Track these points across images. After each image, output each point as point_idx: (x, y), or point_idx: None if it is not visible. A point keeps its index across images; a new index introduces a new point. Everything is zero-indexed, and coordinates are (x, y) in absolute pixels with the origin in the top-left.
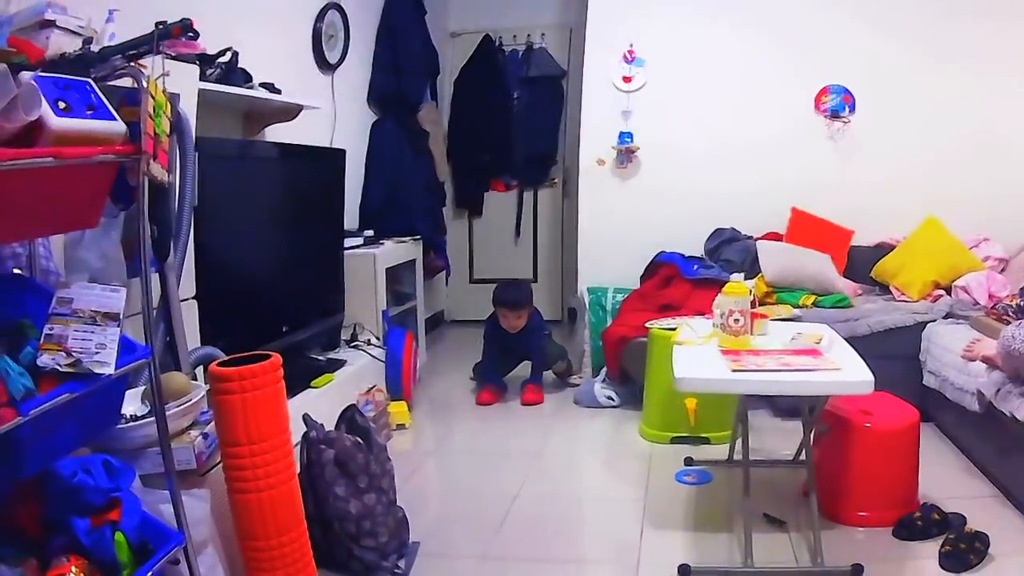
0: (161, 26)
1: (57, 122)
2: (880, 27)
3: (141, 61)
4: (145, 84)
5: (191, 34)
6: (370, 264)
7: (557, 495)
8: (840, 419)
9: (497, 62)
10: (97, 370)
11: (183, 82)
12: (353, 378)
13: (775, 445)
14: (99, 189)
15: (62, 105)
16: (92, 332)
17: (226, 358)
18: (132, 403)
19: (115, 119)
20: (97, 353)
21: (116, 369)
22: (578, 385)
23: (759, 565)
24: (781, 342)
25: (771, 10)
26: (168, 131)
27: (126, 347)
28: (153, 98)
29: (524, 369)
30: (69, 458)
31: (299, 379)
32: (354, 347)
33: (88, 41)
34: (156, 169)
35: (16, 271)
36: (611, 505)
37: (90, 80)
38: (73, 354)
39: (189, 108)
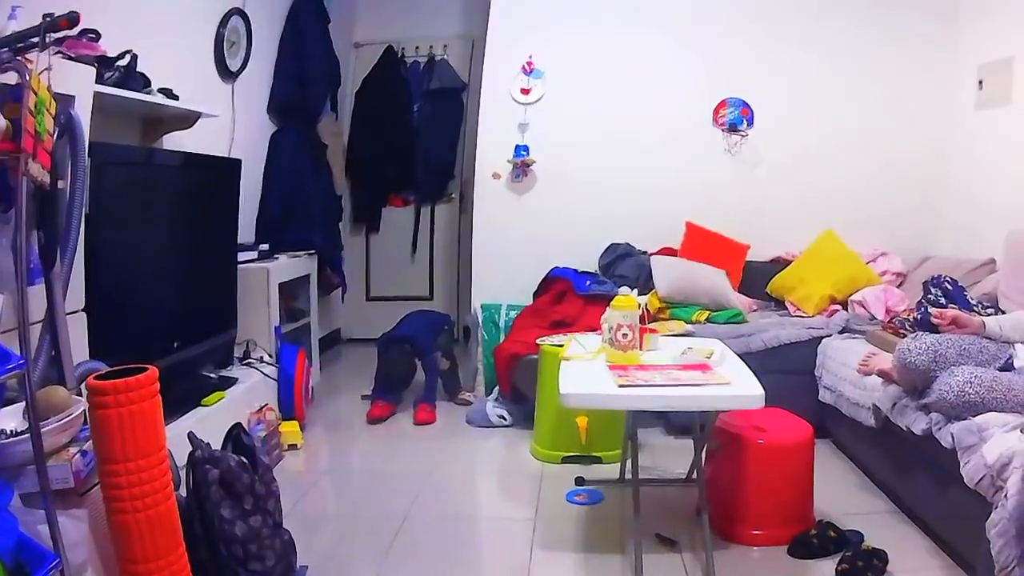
0: (48, 18)
1: None
2: (778, 41)
3: (29, 56)
4: (28, 78)
5: (92, 35)
6: (263, 278)
7: (448, 516)
8: (733, 435)
9: (399, 73)
10: None
11: (80, 84)
12: (244, 396)
13: (668, 463)
14: None
15: None
16: None
17: (105, 371)
18: (13, 418)
19: None
20: None
21: None
22: (470, 404)
23: None
24: (671, 357)
25: (670, 24)
26: (51, 130)
27: (2, 357)
28: (36, 94)
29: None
30: None
31: (190, 397)
32: (247, 364)
33: None
34: (35, 169)
35: None
36: (502, 526)
37: None
38: None
39: (84, 111)
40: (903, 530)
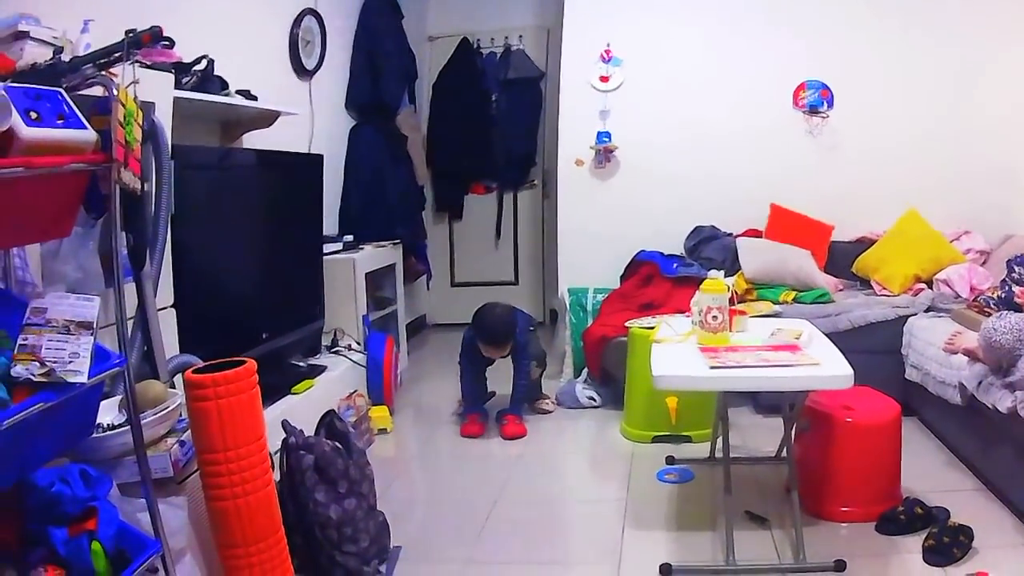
0: (131, 34)
1: (27, 132)
2: (856, 21)
3: (112, 70)
4: (115, 92)
5: (165, 42)
6: (350, 269)
7: (539, 497)
8: (822, 414)
9: (475, 65)
10: (70, 379)
11: (158, 91)
12: (334, 384)
13: (757, 442)
14: (71, 198)
15: (33, 115)
16: (66, 341)
17: (202, 365)
18: (109, 412)
19: (86, 128)
20: (70, 362)
21: (90, 378)
22: (549, 412)
23: (741, 563)
24: (760, 338)
25: (747, 7)
26: (140, 139)
27: (100, 356)
28: (124, 106)
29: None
30: (47, 469)
31: (279, 386)
32: (335, 353)
33: (59, 51)
34: (127, 177)
35: None
36: (593, 506)
37: (61, 90)
38: (47, 364)
39: (164, 116)
40: (989, 507)
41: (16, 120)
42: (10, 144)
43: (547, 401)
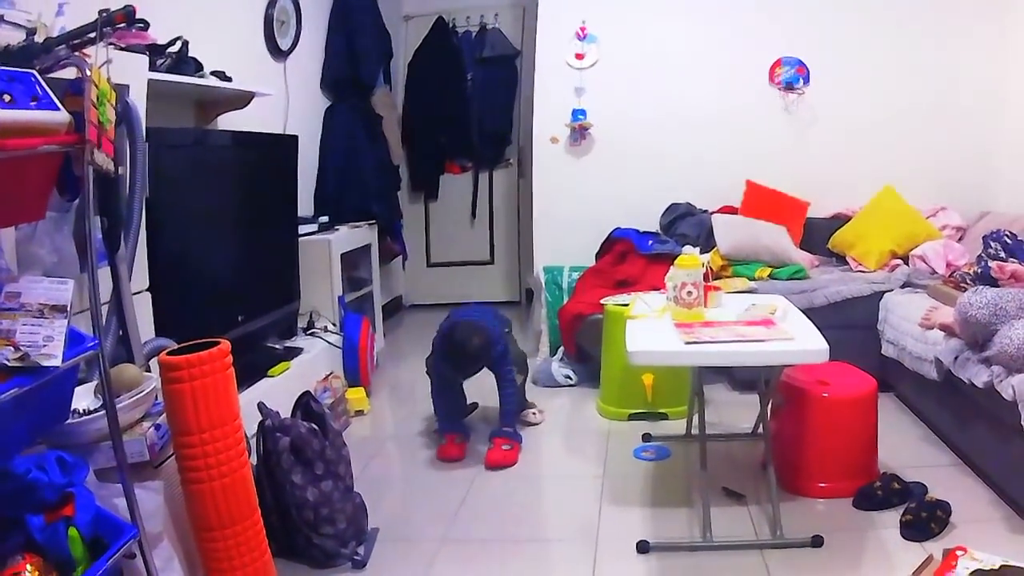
0: (104, 14)
1: (1, 114)
2: None
3: (86, 51)
4: (88, 73)
5: (140, 24)
6: (325, 250)
7: (516, 475)
8: (797, 390)
9: (451, 44)
10: (44, 363)
11: (132, 73)
12: (310, 366)
13: (733, 419)
14: (45, 180)
15: (6, 98)
16: (40, 325)
17: (176, 347)
18: (85, 397)
19: (59, 109)
20: (44, 346)
21: (64, 361)
22: (538, 424)
23: (718, 539)
24: (735, 314)
25: None
26: (113, 120)
27: (75, 339)
28: (97, 87)
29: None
30: (23, 456)
31: (256, 368)
32: (311, 335)
33: (32, 32)
34: (100, 158)
35: None
36: (570, 483)
37: (34, 72)
38: (21, 348)
39: (139, 98)
40: (966, 482)
41: None
42: None
43: (534, 411)
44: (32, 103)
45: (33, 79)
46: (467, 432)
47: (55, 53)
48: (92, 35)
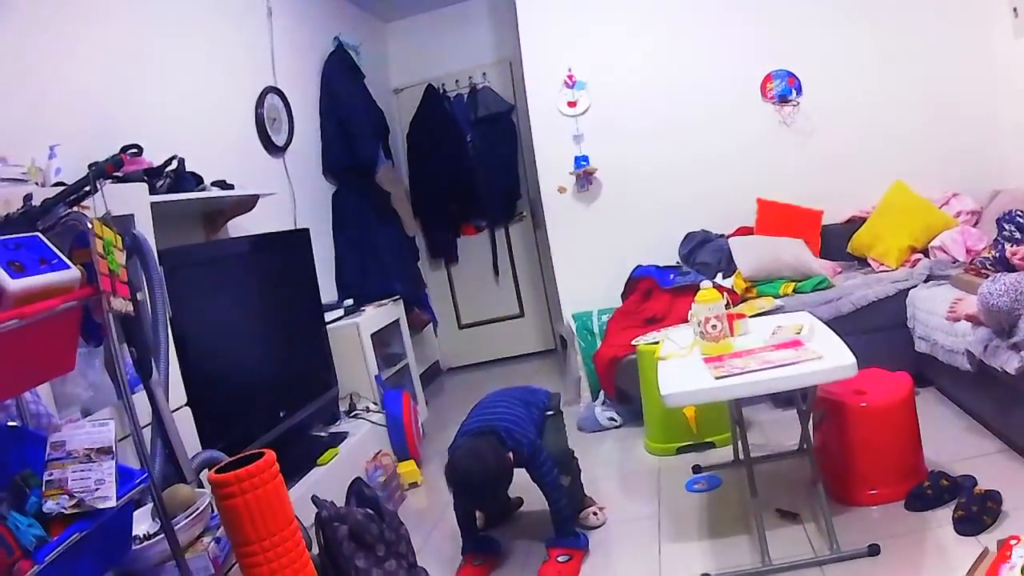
0: (94, 167)
1: (14, 285)
2: (811, 5)
3: (84, 204)
4: (91, 227)
5: (134, 150)
6: (354, 333)
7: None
8: (835, 403)
9: (444, 109)
10: (100, 505)
11: (134, 200)
12: (358, 447)
13: (779, 437)
14: (68, 334)
15: (16, 266)
16: (89, 469)
17: (224, 462)
18: (144, 521)
19: (69, 267)
20: (97, 489)
21: (117, 499)
22: (600, 525)
23: (777, 561)
24: (762, 339)
25: (698, 8)
26: (123, 262)
27: (124, 475)
28: (101, 238)
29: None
30: None
31: (305, 459)
32: (354, 417)
33: (29, 197)
34: (118, 303)
35: (10, 424)
36: (628, 525)
37: (38, 233)
38: (75, 495)
39: (145, 224)
40: (1014, 467)
41: (1, 275)
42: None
43: (595, 511)
44: (42, 266)
45: (39, 241)
46: (493, 549)
47: (55, 213)
48: (87, 188)
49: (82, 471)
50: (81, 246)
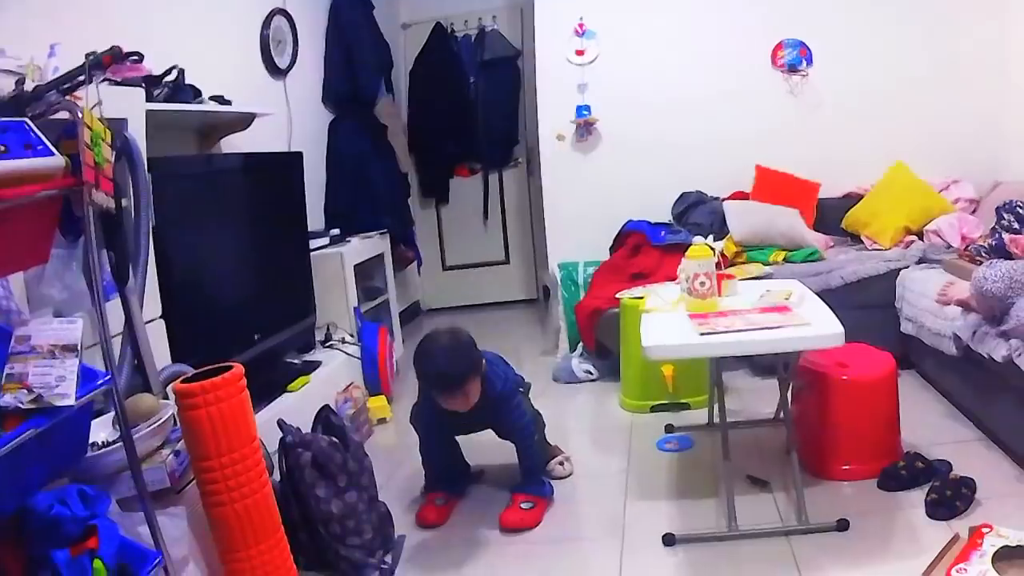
0: (91, 56)
1: None
2: None
3: (77, 94)
4: (80, 115)
5: (135, 57)
6: (338, 262)
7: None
8: (817, 373)
9: (451, 49)
10: (58, 403)
11: (130, 106)
12: (329, 378)
13: (755, 404)
14: (46, 225)
15: (1, 148)
16: (51, 366)
17: (190, 373)
18: (103, 429)
19: (54, 154)
20: (57, 386)
21: (77, 399)
22: (567, 476)
23: (744, 528)
24: (750, 302)
25: None
26: (110, 158)
27: (87, 376)
28: (90, 128)
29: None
30: (45, 492)
31: (275, 385)
32: (329, 347)
33: (21, 81)
34: (100, 197)
35: None
36: (595, 480)
37: (26, 119)
38: (34, 390)
39: (138, 131)
40: (990, 457)
41: None
42: None
43: (562, 461)
44: (27, 151)
45: (26, 127)
46: (456, 491)
47: (46, 99)
48: (81, 78)
49: (44, 367)
50: (69, 137)
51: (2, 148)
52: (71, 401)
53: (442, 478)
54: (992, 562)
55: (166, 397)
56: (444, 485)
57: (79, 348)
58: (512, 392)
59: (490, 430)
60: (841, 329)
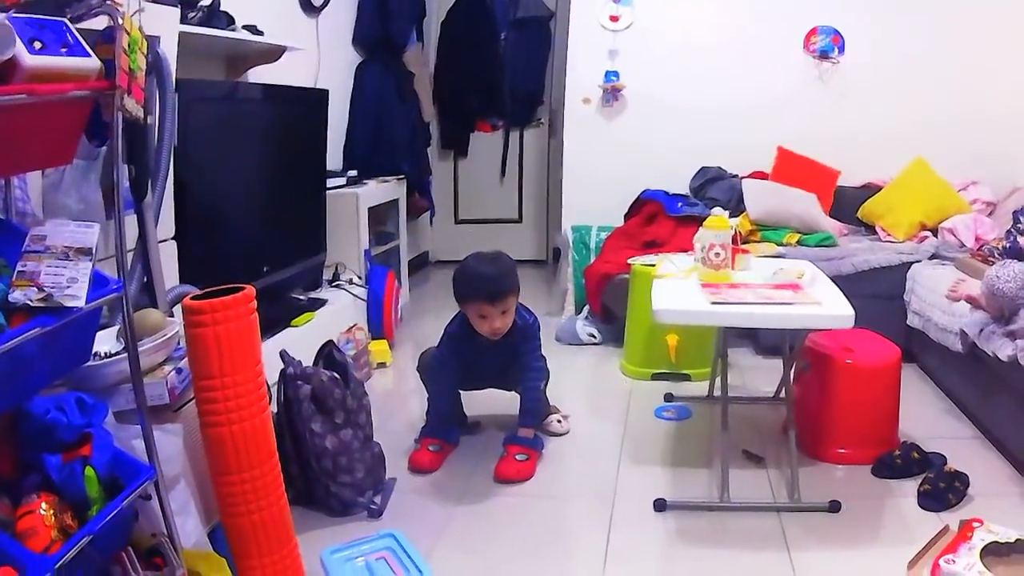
0: None
1: (31, 60)
2: None
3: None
4: (120, 20)
5: None
6: (352, 203)
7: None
8: (822, 356)
9: (484, 3)
10: (68, 303)
11: (164, 25)
12: (334, 317)
13: (756, 383)
14: (74, 125)
15: (37, 44)
16: (64, 267)
17: (200, 292)
18: (108, 341)
19: (90, 56)
20: (68, 287)
21: (87, 303)
22: (563, 434)
23: (736, 500)
24: (763, 277)
25: None
26: (143, 67)
27: (99, 282)
28: (128, 34)
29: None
30: (42, 397)
31: (280, 319)
32: (336, 287)
33: None
34: (130, 104)
35: None
36: (590, 440)
37: (66, 20)
38: (44, 289)
39: (169, 51)
40: (986, 456)
41: (20, 48)
42: (13, 72)
43: (559, 418)
44: (63, 50)
45: (64, 27)
46: (450, 439)
47: (86, 2)
48: None
49: (57, 267)
50: (106, 42)
51: (39, 44)
52: (81, 303)
53: (442, 425)
54: (980, 557)
55: (172, 316)
56: (441, 433)
57: (94, 252)
58: (537, 329)
59: (494, 388)
60: (852, 311)
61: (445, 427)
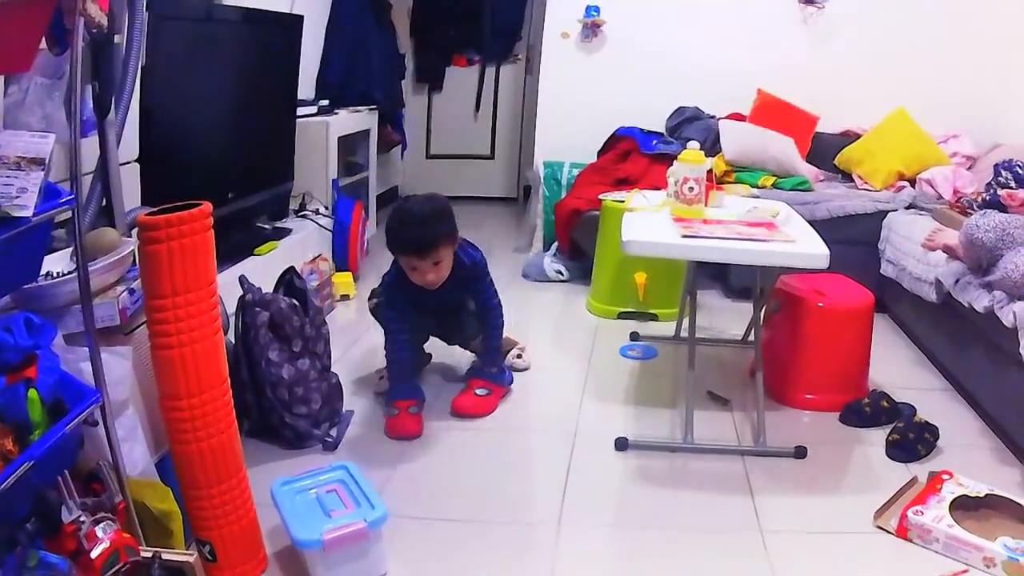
0: None
1: None
2: None
3: None
4: None
5: None
6: (322, 132)
7: None
8: (793, 298)
9: None
10: (15, 213)
11: None
12: (298, 247)
13: (724, 325)
14: (33, 30)
15: None
16: (15, 177)
17: (156, 209)
18: (61, 261)
19: None
20: (17, 197)
21: (36, 214)
22: (525, 369)
23: (699, 442)
24: (736, 214)
25: None
26: None
27: (51, 193)
28: None
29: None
30: None
31: (243, 246)
32: (302, 216)
33: None
34: (93, 9)
35: None
36: (553, 377)
37: None
38: None
39: None
40: (956, 409)
41: None
42: None
43: (518, 351)
44: None
45: None
46: (424, 399)
47: None
48: None
49: (7, 177)
50: None
51: None
52: (29, 213)
53: (410, 383)
54: (950, 509)
55: (129, 236)
56: (413, 391)
57: (47, 163)
58: (484, 265)
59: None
60: (826, 251)
61: (413, 383)
